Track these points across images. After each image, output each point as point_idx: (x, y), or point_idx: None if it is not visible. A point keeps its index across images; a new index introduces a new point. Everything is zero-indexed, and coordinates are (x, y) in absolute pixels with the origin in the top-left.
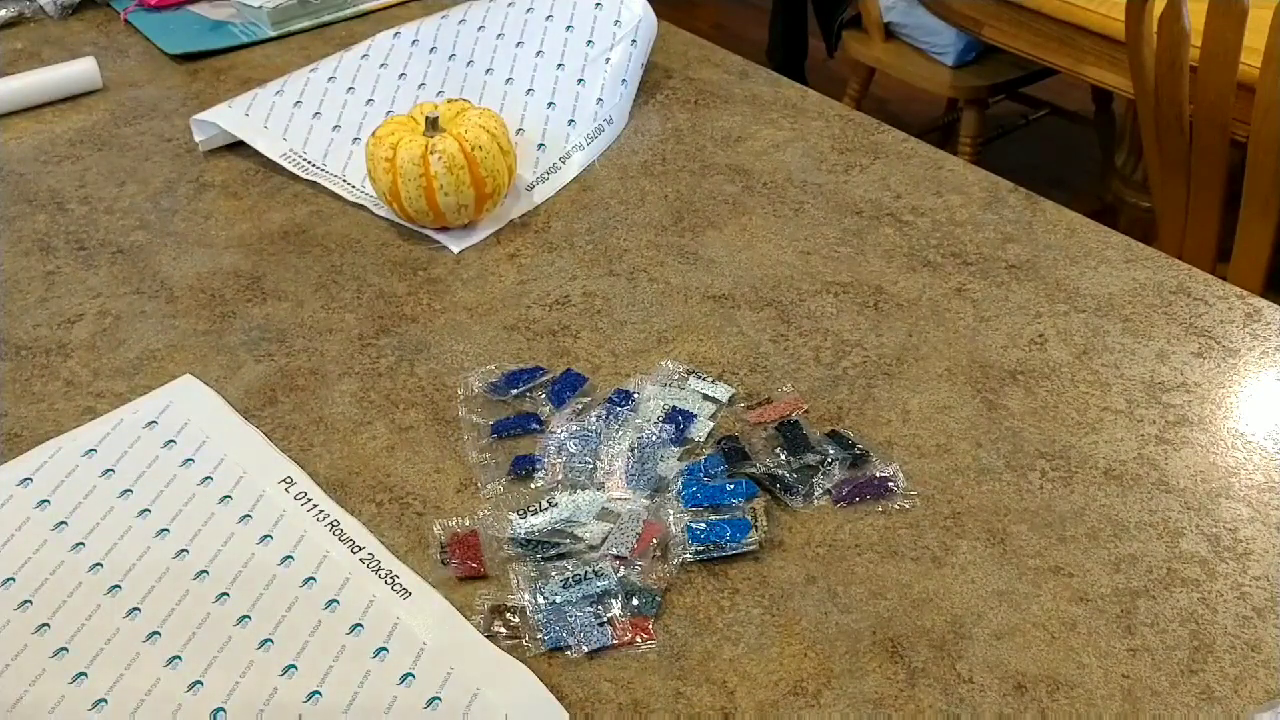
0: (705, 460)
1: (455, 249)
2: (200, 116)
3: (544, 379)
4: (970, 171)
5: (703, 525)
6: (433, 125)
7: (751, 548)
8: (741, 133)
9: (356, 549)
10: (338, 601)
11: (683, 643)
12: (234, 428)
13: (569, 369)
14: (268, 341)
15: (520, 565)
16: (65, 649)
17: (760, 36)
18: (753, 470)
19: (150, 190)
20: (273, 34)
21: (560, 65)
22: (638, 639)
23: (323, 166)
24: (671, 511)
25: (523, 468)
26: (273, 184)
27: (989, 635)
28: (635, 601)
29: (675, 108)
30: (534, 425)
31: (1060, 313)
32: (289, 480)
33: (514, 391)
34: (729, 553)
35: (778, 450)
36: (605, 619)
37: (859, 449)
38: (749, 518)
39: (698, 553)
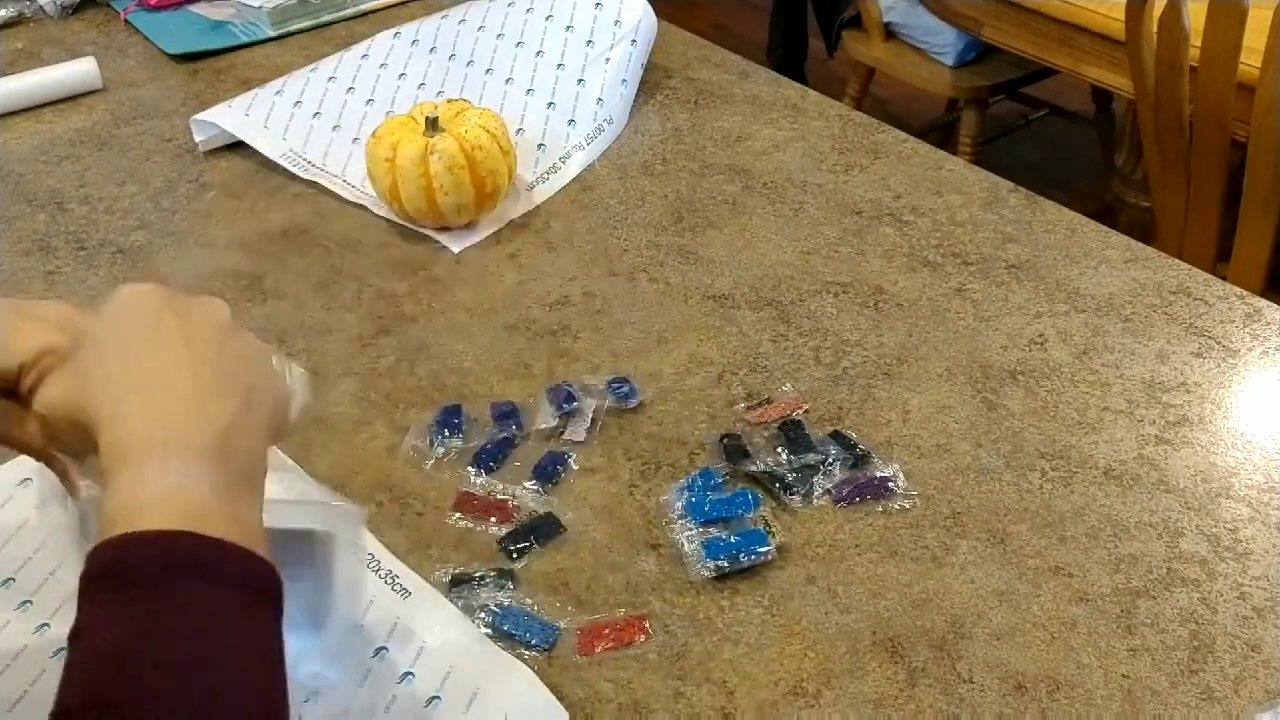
0: (700, 475)
1: (455, 249)
2: (200, 116)
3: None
4: (970, 171)
5: (720, 538)
6: (433, 125)
7: (770, 557)
8: (741, 133)
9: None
10: None
11: (683, 643)
12: None
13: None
14: (268, 341)
15: None
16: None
17: (760, 36)
18: (753, 469)
19: (150, 190)
20: (273, 34)
21: (560, 65)
22: (638, 639)
23: (323, 166)
24: (680, 527)
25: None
26: (273, 184)
27: (989, 635)
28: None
29: (675, 108)
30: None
31: (1060, 313)
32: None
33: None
34: (745, 564)
35: (779, 449)
36: None
37: (860, 449)
38: (761, 527)
39: (719, 568)
